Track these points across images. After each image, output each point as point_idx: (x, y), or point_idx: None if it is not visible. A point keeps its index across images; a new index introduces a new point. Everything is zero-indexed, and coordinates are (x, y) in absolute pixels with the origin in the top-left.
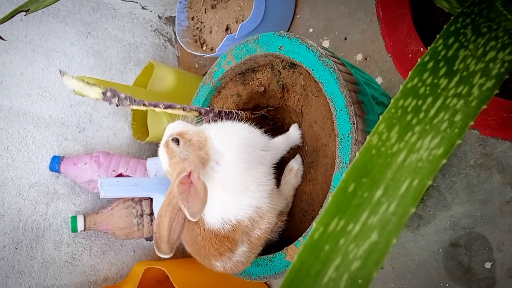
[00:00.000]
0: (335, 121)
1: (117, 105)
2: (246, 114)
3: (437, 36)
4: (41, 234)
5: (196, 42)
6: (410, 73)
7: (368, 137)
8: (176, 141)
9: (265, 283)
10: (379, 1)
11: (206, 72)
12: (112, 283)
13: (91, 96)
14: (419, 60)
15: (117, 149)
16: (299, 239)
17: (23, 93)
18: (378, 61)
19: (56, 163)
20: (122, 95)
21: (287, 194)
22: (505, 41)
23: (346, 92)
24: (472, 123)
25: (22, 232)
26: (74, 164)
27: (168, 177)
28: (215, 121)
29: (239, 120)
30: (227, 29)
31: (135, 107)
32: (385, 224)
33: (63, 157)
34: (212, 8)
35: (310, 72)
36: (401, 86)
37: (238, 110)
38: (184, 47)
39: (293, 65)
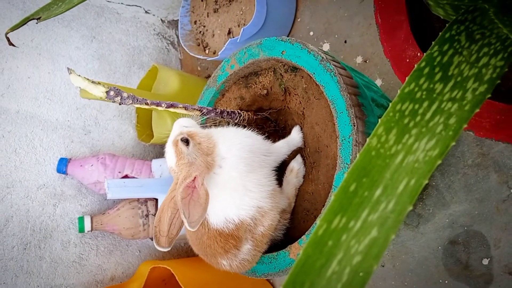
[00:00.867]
0: (336, 123)
1: (120, 104)
2: (248, 114)
3: (433, 43)
4: (49, 235)
5: (199, 45)
6: (407, 78)
7: (367, 139)
8: (186, 141)
9: (268, 281)
10: (377, 8)
11: (209, 74)
12: (118, 282)
13: (95, 94)
14: (415, 66)
15: (122, 151)
16: (302, 237)
17: (30, 96)
18: (377, 63)
19: (63, 165)
20: (125, 94)
21: (289, 194)
22: (497, 48)
23: (347, 95)
24: (466, 125)
25: (30, 233)
26: (81, 166)
27: (172, 174)
28: (218, 122)
29: (241, 120)
30: (229, 32)
31: (137, 105)
32: (384, 221)
33: (70, 159)
34: (215, 12)
35: (312, 76)
36: (398, 91)
37: (240, 110)
38: (187, 50)
39: (295, 69)
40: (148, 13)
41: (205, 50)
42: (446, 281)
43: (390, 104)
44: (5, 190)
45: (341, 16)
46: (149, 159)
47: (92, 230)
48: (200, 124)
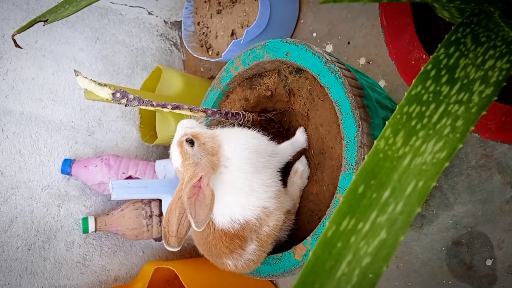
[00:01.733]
0: (341, 125)
1: (126, 105)
2: (252, 115)
3: (439, 45)
4: (53, 236)
5: (202, 46)
6: (414, 80)
7: (375, 142)
8: (191, 142)
9: (272, 282)
10: (382, 10)
11: (212, 76)
12: (122, 283)
13: (101, 96)
14: (422, 68)
15: (126, 152)
16: (307, 238)
17: (34, 97)
18: (381, 65)
19: (67, 166)
20: (131, 96)
21: (294, 195)
22: (503, 50)
23: (352, 96)
24: (473, 128)
25: (34, 233)
26: (85, 166)
27: (178, 175)
28: (222, 122)
29: (246, 121)
30: (232, 34)
31: (143, 107)
32: (393, 223)
33: (74, 160)
34: (218, 13)
35: (316, 78)
36: (405, 93)
37: (245, 111)
38: (190, 51)
39: (299, 70)
40: (151, 14)
41: (208, 51)
42: (450, 282)
43: (397, 107)
44: (10, 191)
45: (344, 17)
46: (153, 160)
47: (96, 230)
48: (205, 125)
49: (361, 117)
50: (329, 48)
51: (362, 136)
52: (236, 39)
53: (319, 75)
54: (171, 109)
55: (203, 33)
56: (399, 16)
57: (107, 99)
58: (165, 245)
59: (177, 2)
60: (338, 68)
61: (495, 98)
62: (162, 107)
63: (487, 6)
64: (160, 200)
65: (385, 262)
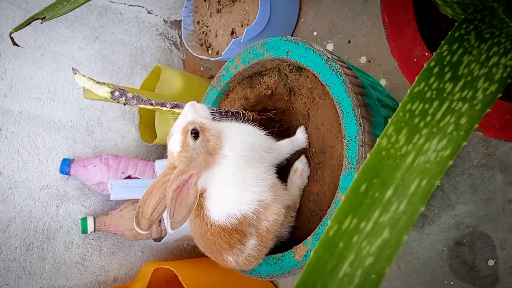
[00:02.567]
0: (342, 124)
1: (124, 104)
2: (252, 114)
3: (442, 42)
4: (52, 236)
5: (202, 45)
6: (416, 78)
7: (377, 140)
8: (196, 135)
9: (272, 282)
10: (384, 7)
11: (212, 75)
12: (121, 283)
13: (100, 95)
14: (425, 65)
15: (125, 152)
16: (307, 238)
17: (33, 97)
18: (382, 63)
19: (66, 166)
20: (130, 95)
21: (294, 195)
22: (507, 47)
23: (353, 95)
24: (477, 125)
25: (33, 234)
26: (84, 166)
27: (169, 157)
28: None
29: (246, 120)
30: (232, 33)
31: (142, 106)
32: (396, 222)
33: (73, 159)
34: (218, 12)
35: (317, 76)
36: (408, 91)
37: (245, 110)
38: (190, 51)
39: (299, 69)
40: (151, 13)
41: (208, 51)
42: (452, 282)
43: (400, 104)
44: (8, 191)
45: (345, 16)
46: (152, 159)
47: (95, 231)
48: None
49: (362, 115)
50: (330, 47)
51: (363, 134)
52: (236, 38)
53: (319, 74)
54: (170, 108)
55: (203, 32)
56: (401, 13)
57: (105, 98)
58: (135, 226)
59: (176, 1)
60: (339, 66)
61: (500, 95)
62: (161, 106)
63: (490, 2)
64: None
65: (388, 262)
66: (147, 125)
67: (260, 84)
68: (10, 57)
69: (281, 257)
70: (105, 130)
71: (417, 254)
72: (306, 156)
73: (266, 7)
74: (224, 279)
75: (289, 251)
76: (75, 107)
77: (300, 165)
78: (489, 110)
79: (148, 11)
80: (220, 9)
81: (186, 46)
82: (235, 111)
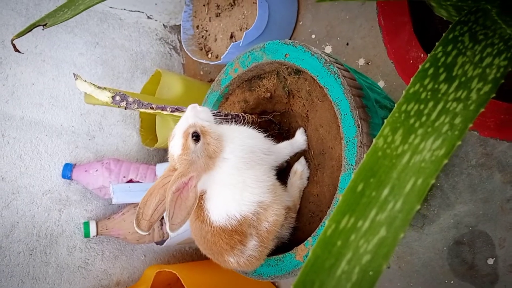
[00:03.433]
0: (340, 125)
1: (125, 108)
2: (252, 117)
3: (437, 43)
4: (54, 240)
5: (201, 50)
6: (412, 79)
7: (374, 140)
8: (197, 138)
9: (274, 284)
10: (380, 10)
11: (211, 79)
12: (124, 287)
13: (101, 99)
14: (420, 66)
15: (126, 156)
16: (308, 239)
17: (34, 102)
18: (379, 65)
19: (68, 171)
20: (131, 99)
21: (294, 196)
22: (501, 48)
23: (351, 97)
24: (471, 125)
25: (36, 238)
26: (86, 171)
27: (169, 159)
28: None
29: (245, 123)
30: (231, 37)
31: (143, 110)
32: (393, 221)
33: (75, 164)
34: (217, 16)
35: (315, 78)
36: (403, 92)
37: (244, 113)
38: (190, 55)
39: (298, 72)
40: (150, 18)
41: (207, 55)
42: (452, 282)
43: (396, 105)
44: (11, 196)
45: (343, 18)
46: (153, 163)
47: (97, 235)
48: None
49: (360, 117)
50: (328, 49)
51: (361, 136)
52: (235, 41)
53: (318, 76)
54: (171, 111)
55: (202, 36)
56: (397, 15)
57: (106, 103)
58: (135, 227)
59: (176, 6)
60: (336, 68)
61: (493, 95)
62: (162, 110)
63: (484, 4)
64: None
65: (385, 259)
66: (148, 129)
67: (259, 87)
68: (11, 63)
69: (282, 258)
70: (106, 134)
71: (418, 254)
72: (305, 158)
73: (264, 11)
74: (226, 282)
75: (290, 252)
76: (77, 112)
77: (300, 166)
78: (483, 110)
79: (148, 16)
80: (219, 13)
81: (185, 50)
82: (235, 114)
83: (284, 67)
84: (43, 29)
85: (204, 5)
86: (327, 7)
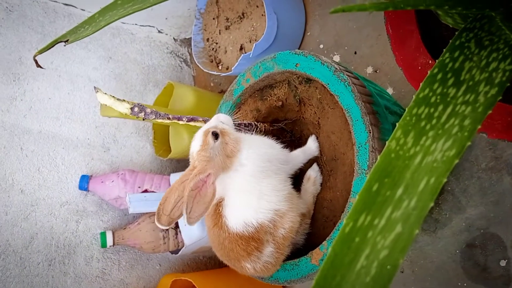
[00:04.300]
0: (352, 131)
1: (143, 119)
2: (264, 125)
3: (444, 50)
4: (72, 251)
5: (212, 62)
6: (421, 84)
7: (387, 143)
8: (216, 136)
9: None
10: (388, 19)
11: (222, 90)
12: None
13: (120, 111)
14: (428, 72)
15: (141, 167)
16: (323, 243)
17: (51, 116)
18: (388, 73)
19: (85, 182)
20: (148, 110)
21: (308, 202)
22: (506, 53)
23: (361, 103)
24: (479, 126)
25: (54, 249)
26: (102, 182)
27: (190, 159)
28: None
29: (258, 131)
30: (241, 48)
31: (160, 120)
32: (408, 218)
33: (91, 176)
34: (226, 29)
35: (326, 86)
36: (413, 96)
37: (257, 122)
38: (201, 67)
39: (308, 80)
40: (161, 32)
41: (218, 66)
42: (465, 284)
43: (407, 109)
44: (30, 208)
45: (350, 28)
46: (167, 173)
47: (114, 245)
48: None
49: (371, 122)
50: (337, 58)
51: (373, 141)
52: (245, 53)
53: (328, 84)
54: (187, 121)
55: (213, 48)
56: (404, 24)
57: (125, 114)
58: (156, 222)
59: (185, 20)
60: (347, 76)
61: (500, 97)
62: (178, 120)
63: (488, 11)
64: None
65: (402, 254)
66: (161, 140)
67: (271, 96)
68: (28, 79)
69: (298, 262)
70: (120, 146)
71: (431, 258)
72: (318, 164)
73: (273, 22)
74: None
75: (305, 256)
76: (92, 125)
77: (313, 173)
78: (490, 112)
79: (159, 31)
80: (229, 26)
81: (196, 62)
82: (248, 123)
83: (295, 76)
84: (64, 45)
85: (213, 19)
86: (335, 18)
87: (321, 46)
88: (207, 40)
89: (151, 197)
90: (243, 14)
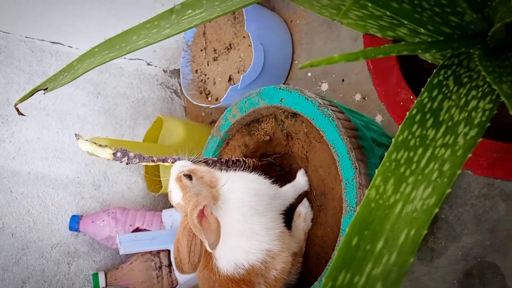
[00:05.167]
0: (338, 167)
1: (127, 163)
2: (253, 161)
3: (422, 89)
4: None
5: (201, 93)
6: (400, 126)
7: (366, 191)
8: (189, 177)
9: None
10: None
11: (213, 120)
12: None
13: (103, 157)
14: (407, 113)
15: (132, 203)
16: (314, 283)
17: (40, 157)
18: (376, 100)
19: (75, 223)
20: (132, 154)
21: (299, 239)
22: (485, 90)
23: (346, 138)
24: (459, 171)
25: None
26: (93, 222)
27: (179, 210)
28: (225, 170)
29: (246, 167)
30: (230, 79)
31: (144, 163)
32: (388, 274)
33: (82, 215)
34: (214, 60)
35: (311, 121)
36: (393, 140)
37: (245, 157)
38: (190, 99)
39: (295, 115)
40: (150, 64)
41: (207, 98)
42: None
43: (386, 154)
44: (21, 252)
45: None
46: (159, 209)
47: (106, 286)
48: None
49: (357, 158)
50: (325, 86)
51: (360, 177)
52: (234, 84)
53: (313, 119)
54: (171, 162)
55: (202, 80)
56: (385, 59)
57: (108, 159)
58: (179, 273)
59: (174, 52)
60: (331, 111)
61: (480, 139)
62: (163, 162)
63: (464, 50)
64: (169, 250)
65: None
66: (153, 175)
67: (258, 130)
68: (16, 120)
69: None
70: (111, 183)
71: None
72: (308, 199)
73: (260, 53)
74: None
75: None
76: (81, 163)
77: (303, 208)
78: (470, 155)
79: (148, 63)
80: (217, 57)
81: (186, 95)
82: (236, 159)
83: (280, 110)
84: (44, 93)
85: (201, 50)
86: (321, 46)
87: (309, 74)
88: (196, 71)
89: (142, 236)
90: (230, 45)
